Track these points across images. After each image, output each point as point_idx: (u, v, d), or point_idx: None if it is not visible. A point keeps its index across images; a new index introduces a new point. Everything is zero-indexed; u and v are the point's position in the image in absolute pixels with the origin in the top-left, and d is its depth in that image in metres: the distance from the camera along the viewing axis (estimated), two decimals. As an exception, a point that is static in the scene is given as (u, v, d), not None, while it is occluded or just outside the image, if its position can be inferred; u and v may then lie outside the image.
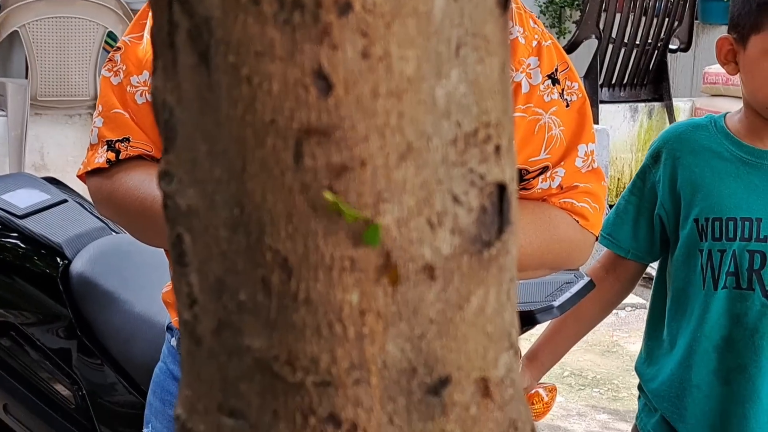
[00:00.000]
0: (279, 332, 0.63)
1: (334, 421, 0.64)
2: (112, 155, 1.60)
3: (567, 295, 2.52)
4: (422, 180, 0.62)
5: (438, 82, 0.62)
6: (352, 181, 0.61)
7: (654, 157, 1.97)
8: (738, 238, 1.85)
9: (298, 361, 0.63)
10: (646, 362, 2.01)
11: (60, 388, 2.65)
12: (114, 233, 2.83)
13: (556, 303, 2.48)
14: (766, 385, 1.85)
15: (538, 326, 2.66)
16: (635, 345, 5.30)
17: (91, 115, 5.61)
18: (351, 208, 0.62)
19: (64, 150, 5.55)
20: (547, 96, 1.60)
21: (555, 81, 1.62)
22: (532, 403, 2.55)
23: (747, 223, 1.85)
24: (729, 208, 1.86)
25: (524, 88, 1.58)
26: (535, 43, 1.61)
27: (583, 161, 1.63)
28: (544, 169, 1.61)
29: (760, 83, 1.83)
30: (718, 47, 1.90)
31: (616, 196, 6.97)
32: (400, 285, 0.63)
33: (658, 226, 1.97)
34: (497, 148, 0.65)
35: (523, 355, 2.07)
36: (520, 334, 2.26)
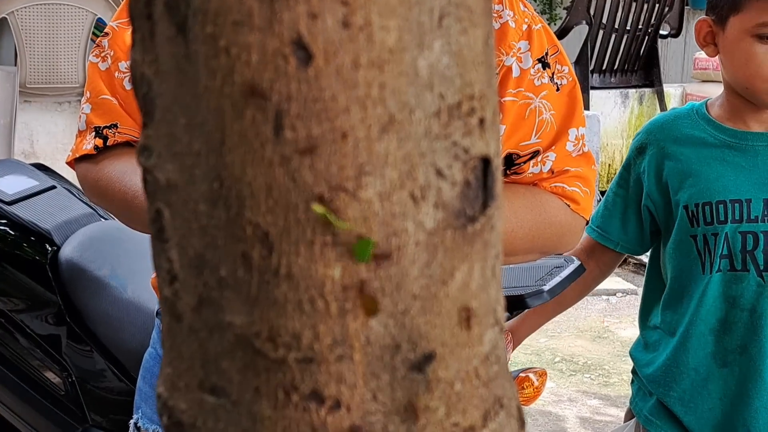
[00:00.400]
0: (260, 308, 0.62)
1: (317, 397, 0.63)
2: (99, 142, 1.59)
3: (557, 279, 2.52)
4: (405, 153, 0.61)
5: (420, 53, 0.61)
6: (333, 154, 0.60)
7: (638, 149, 1.97)
8: (729, 221, 1.85)
9: (280, 338, 0.62)
10: (643, 349, 2.01)
11: (50, 374, 2.64)
12: (103, 219, 2.82)
13: (546, 287, 2.47)
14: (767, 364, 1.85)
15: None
16: (626, 331, 5.31)
17: (81, 102, 5.59)
18: (341, 221, 0.61)
19: (53, 137, 5.53)
20: (538, 80, 1.60)
21: (545, 65, 1.61)
22: (523, 388, 2.56)
23: (737, 204, 1.85)
24: (718, 191, 1.86)
25: (515, 73, 1.58)
26: (525, 26, 1.60)
27: (573, 145, 1.63)
28: (535, 154, 1.60)
29: (739, 63, 1.82)
30: (697, 29, 1.90)
31: (607, 182, 6.97)
32: (383, 260, 0.62)
33: (647, 217, 1.97)
34: (481, 121, 0.64)
35: None
36: (510, 318, 2.27)
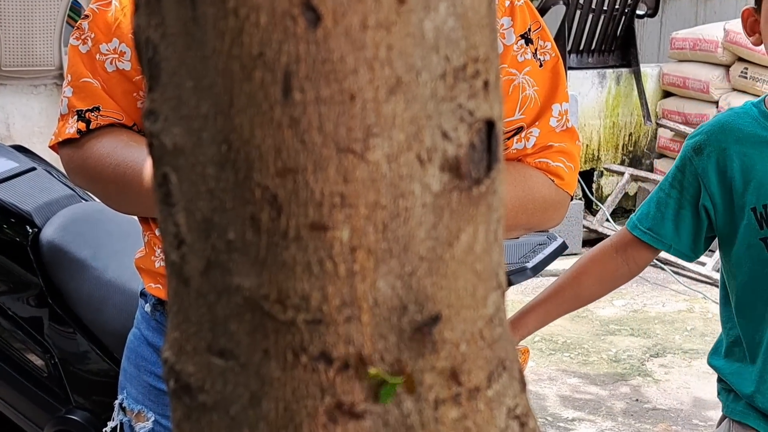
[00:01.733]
0: (269, 270, 0.63)
1: (326, 358, 0.63)
2: (82, 125, 1.59)
3: (540, 256, 2.54)
4: (412, 115, 0.62)
5: (427, 15, 0.61)
6: (341, 116, 0.60)
7: (696, 149, 1.89)
8: None
9: (289, 300, 0.63)
10: (724, 358, 1.94)
11: (32, 356, 2.63)
12: (83, 201, 2.81)
13: (530, 264, 2.50)
14: None
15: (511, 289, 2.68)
16: (605, 310, 5.34)
17: (57, 85, 5.56)
18: (390, 378, 0.64)
19: (29, 121, 5.49)
20: (521, 56, 1.60)
21: (528, 41, 1.61)
22: (506, 365, 2.56)
23: None
24: None
25: (498, 49, 1.58)
26: (508, 2, 1.60)
27: (557, 121, 1.63)
28: (519, 130, 1.61)
29: None
30: (743, 19, 1.84)
31: (585, 162, 6.99)
32: (391, 221, 0.62)
33: (705, 219, 1.90)
34: (486, 84, 0.65)
35: (509, 317, 2.01)
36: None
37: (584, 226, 6.36)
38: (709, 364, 1.98)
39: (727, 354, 1.95)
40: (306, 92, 0.59)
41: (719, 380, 1.98)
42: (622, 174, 6.89)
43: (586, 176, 6.98)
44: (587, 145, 6.92)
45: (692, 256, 1.96)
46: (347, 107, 0.60)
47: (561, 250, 2.57)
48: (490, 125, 0.65)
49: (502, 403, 0.70)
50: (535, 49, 1.62)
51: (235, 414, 0.66)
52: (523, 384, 0.73)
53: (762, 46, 1.81)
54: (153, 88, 0.64)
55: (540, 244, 2.56)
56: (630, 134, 7.22)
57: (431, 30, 0.62)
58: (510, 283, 2.45)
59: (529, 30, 1.62)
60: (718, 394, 1.99)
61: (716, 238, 1.95)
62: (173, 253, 0.66)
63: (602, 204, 6.80)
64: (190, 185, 0.63)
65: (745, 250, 1.85)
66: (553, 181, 1.63)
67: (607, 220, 6.58)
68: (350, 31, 0.59)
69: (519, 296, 2.14)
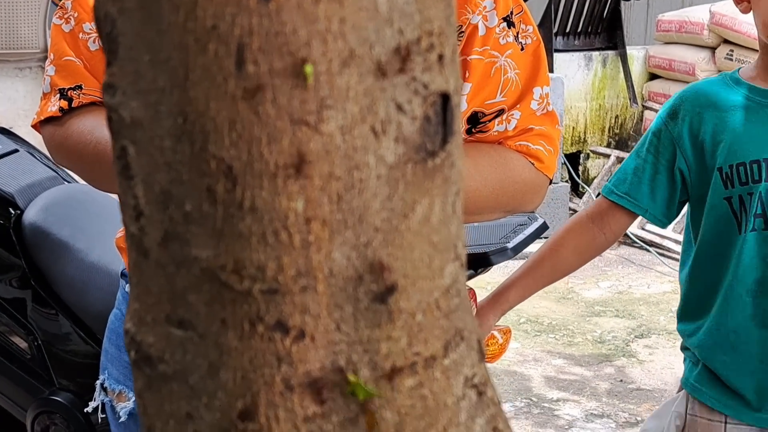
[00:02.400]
0: (225, 241, 0.64)
1: (282, 328, 0.64)
2: (64, 103, 1.60)
3: (521, 237, 2.55)
4: (365, 87, 0.62)
5: (380, -11, 0.62)
6: (294, 88, 0.61)
7: (670, 115, 1.93)
8: (763, 179, 1.83)
9: (245, 270, 0.64)
10: (684, 319, 1.98)
11: (15, 339, 2.64)
12: (66, 183, 2.81)
13: (510, 245, 2.50)
14: None
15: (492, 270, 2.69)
16: (590, 292, 5.37)
17: (42, 67, 5.55)
18: (367, 388, 0.65)
19: (14, 103, 5.48)
20: (503, 39, 1.61)
21: (510, 24, 1.62)
22: (487, 345, 2.58)
23: None
24: (751, 151, 1.84)
25: (481, 31, 1.58)
26: (491, -15, 1.61)
27: (538, 104, 1.64)
28: (500, 112, 1.61)
29: (765, 11, 1.80)
30: None
31: (571, 144, 7.01)
32: (346, 192, 0.63)
33: (679, 182, 1.94)
34: (440, 57, 0.66)
35: (490, 293, 2.04)
36: (474, 276, 2.22)
37: (570, 209, 6.38)
38: (678, 330, 2.01)
39: (686, 314, 1.99)
40: (259, 65, 0.60)
41: (683, 348, 2.02)
42: (608, 156, 6.91)
43: (573, 159, 7.00)
44: (573, 128, 6.93)
45: (665, 221, 1.99)
46: (301, 79, 0.61)
47: (542, 231, 2.59)
48: (445, 98, 0.66)
49: (460, 372, 0.71)
50: (517, 33, 1.63)
51: (194, 383, 0.67)
52: (481, 354, 0.74)
53: (747, 20, 1.83)
54: (111, 62, 0.65)
55: (521, 225, 2.58)
56: (616, 116, 7.24)
57: (385, 3, 0.62)
58: (490, 263, 2.46)
59: (512, 13, 1.62)
60: (684, 361, 2.03)
61: (686, 204, 2.00)
62: (132, 225, 0.66)
63: (588, 186, 6.82)
64: (148, 158, 0.64)
65: (710, 209, 1.90)
66: (533, 164, 1.64)
67: (594, 202, 6.60)
68: (303, 3, 0.60)
69: (500, 277, 2.14)
